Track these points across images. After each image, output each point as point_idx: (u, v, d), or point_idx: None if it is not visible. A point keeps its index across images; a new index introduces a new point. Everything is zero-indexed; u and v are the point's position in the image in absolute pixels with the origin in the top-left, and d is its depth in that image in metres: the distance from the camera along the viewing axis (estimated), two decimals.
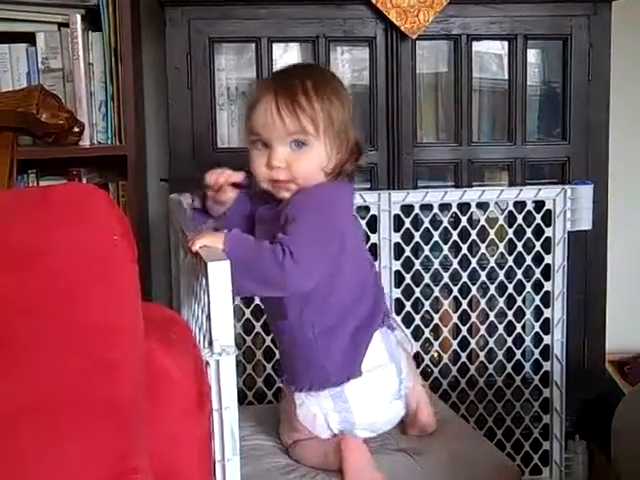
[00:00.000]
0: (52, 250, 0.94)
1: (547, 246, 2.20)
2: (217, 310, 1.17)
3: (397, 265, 2.14)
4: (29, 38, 2.15)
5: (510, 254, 2.21)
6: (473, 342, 2.23)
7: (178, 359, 1.10)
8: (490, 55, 2.27)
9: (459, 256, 2.19)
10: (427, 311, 2.18)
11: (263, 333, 2.13)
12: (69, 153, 2.11)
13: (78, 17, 2.12)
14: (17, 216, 0.96)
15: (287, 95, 1.45)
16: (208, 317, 1.19)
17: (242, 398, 2.15)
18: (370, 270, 1.63)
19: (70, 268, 0.94)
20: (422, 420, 1.64)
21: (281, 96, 1.45)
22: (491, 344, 2.23)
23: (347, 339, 1.51)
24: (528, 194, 2.17)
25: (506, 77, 2.23)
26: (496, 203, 2.19)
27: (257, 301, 2.11)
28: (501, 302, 2.22)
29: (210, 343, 1.19)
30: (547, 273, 2.21)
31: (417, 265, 2.15)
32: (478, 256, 2.19)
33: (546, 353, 2.23)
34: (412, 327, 2.17)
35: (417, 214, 2.14)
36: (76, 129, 2.06)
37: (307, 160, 1.47)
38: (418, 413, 1.64)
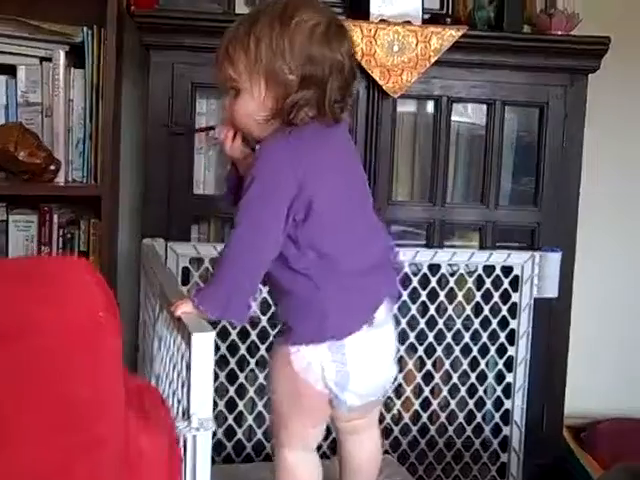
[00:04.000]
0: (39, 327, 0.93)
1: (513, 311, 2.23)
2: (198, 383, 1.17)
3: None
4: (10, 70, 2.13)
5: (477, 317, 2.23)
6: (435, 403, 2.24)
7: (152, 434, 1.09)
8: (469, 117, 2.30)
9: (426, 316, 2.20)
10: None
11: (256, 397, 2.17)
12: (43, 190, 2.09)
13: (62, 53, 2.10)
14: (4, 290, 0.95)
15: (221, 42, 1.44)
16: (188, 389, 1.18)
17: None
18: (365, 224, 1.54)
19: (57, 346, 0.93)
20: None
21: (220, 44, 1.45)
22: (452, 406, 2.25)
23: (348, 290, 1.46)
24: (497, 258, 2.20)
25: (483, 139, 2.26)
26: (466, 265, 2.21)
27: (252, 365, 2.13)
28: (465, 364, 2.24)
29: (188, 416, 1.17)
30: (512, 338, 2.23)
31: None
32: (445, 317, 2.21)
33: (506, 417, 2.26)
34: None
35: None
36: (52, 167, 2.05)
37: (237, 105, 1.43)
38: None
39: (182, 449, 1.18)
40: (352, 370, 1.46)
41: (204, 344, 1.17)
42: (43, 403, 0.92)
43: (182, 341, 1.28)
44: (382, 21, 2.09)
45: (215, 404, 2.08)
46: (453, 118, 2.23)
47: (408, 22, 2.09)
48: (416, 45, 2.08)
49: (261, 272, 1.42)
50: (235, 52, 1.40)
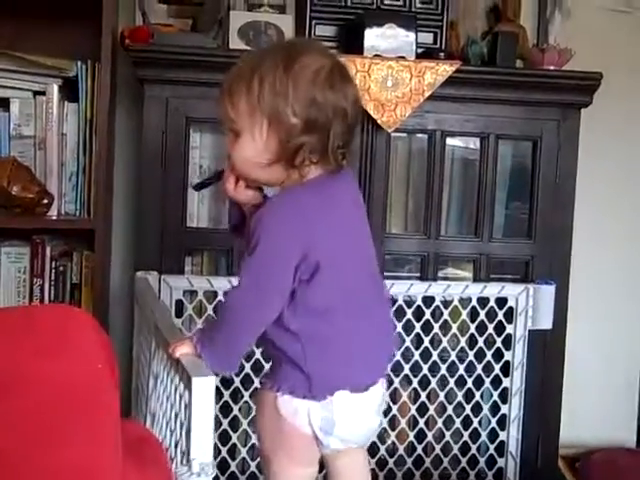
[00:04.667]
0: (37, 380, 0.92)
1: (507, 343, 2.23)
2: (198, 428, 1.15)
3: None
4: (3, 103, 2.12)
5: (471, 349, 2.23)
6: (430, 435, 2.24)
7: None
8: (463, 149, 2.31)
9: (421, 348, 2.20)
10: (385, 401, 2.18)
11: (249, 430, 2.16)
12: (35, 224, 2.08)
13: (55, 87, 2.10)
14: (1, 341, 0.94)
15: (224, 82, 1.40)
16: (188, 433, 1.17)
17: None
18: (359, 285, 1.48)
19: (54, 401, 0.92)
20: None
21: (222, 83, 1.41)
22: (447, 437, 2.25)
23: (338, 350, 1.44)
24: (492, 290, 2.20)
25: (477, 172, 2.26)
26: (460, 297, 2.21)
27: (246, 397, 2.12)
28: (460, 396, 2.24)
29: (187, 460, 1.16)
30: (506, 370, 2.23)
31: None
32: (439, 349, 2.21)
33: (501, 449, 2.25)
34: None
35: None
36: (45, 201, 2.04)
37: (237, 148, 1.40)
38: None
39: None
40: (338, 419, 1.45)
41: (205, 388, 1.16)
42: (37, 465, 0.90)
43: (181, 383, 1.28)
44: (376, 56, 2.10)
45: None
46: (447, 142, 2.24)
47: (402, 57, 2.10)
48: (410, 80, 2.09)
49: (260, 332, 1.42)
50: (237, 91, 1.37)
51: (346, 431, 1.48)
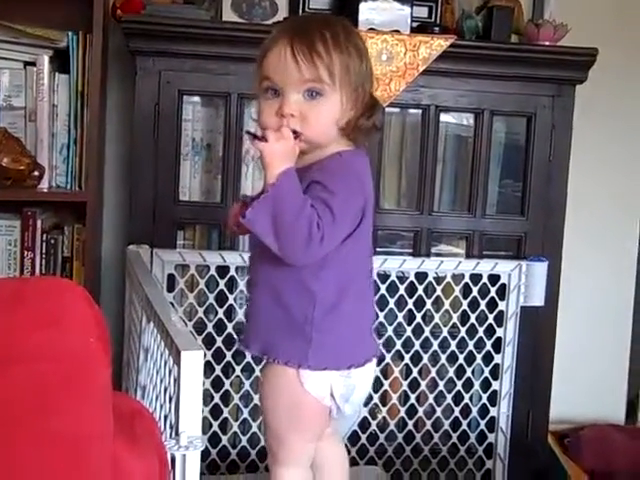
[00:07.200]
0: (28, 353, 0.91)
1: (499, 319, 2.23)
2: (187, 401, 1.15)
3: None
4: None
5: (463, 325, 2.23)
6: (421, 410, 2.24)
7: (143, 458, 1.07)
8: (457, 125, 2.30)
9: (413, 324, 2.20)
10: (377, 377, 2.18)
11: (240, 404, 2.17)
12: (26, 196, 2.07)
13: (46, 58, 2.08)
14: None
15: (304, 41, 1.36)
16: (177, 407, 1.16)
17: None
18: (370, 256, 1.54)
19: (45, 374, 0.91)
20: None
21: (298, 41, 1.36)
22: (438, 413, 2.25)
23: (342, 333, 1.46)
24: (484, 267, 2.20)
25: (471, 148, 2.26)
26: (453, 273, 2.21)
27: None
28: (451, 372, 2.24)
29: (176, 433, 1.16)
30: (498, 346, 2.23)
31: None
32: (432, 325, 2.21)
33: (491, 425, 2.26)
34: None
35: (375, 280, 2.14)
36: (36, 173, 2.03)
37: (322, 111, 1.37)
38: None
39: (171, 468, 1.16)
40: (358, 384, 1.48)
41: (193, 362, 1.15)
42: (29, 438, 0.90)
43: (170, 356, 1.27)
44: (371, 29, 2.08)
45: None
46: (441, 119, 2.23)
47: (396, 31, 2.09)
48: (404, 54, 2.07)
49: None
50: (332, 56, 1.36)
51: (359, 395, 1.51)
